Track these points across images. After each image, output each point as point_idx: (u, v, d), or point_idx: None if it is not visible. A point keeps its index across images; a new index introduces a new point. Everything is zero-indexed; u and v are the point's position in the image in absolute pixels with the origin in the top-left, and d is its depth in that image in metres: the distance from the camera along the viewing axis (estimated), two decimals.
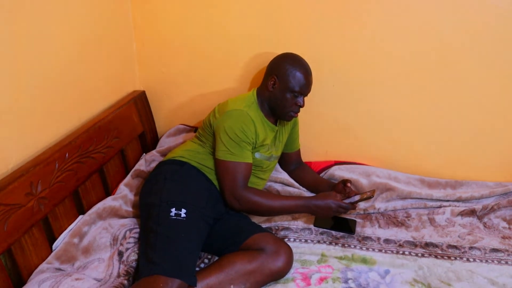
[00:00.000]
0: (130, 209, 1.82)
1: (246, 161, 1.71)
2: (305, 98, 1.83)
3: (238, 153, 1.69)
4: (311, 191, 2.04)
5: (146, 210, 1.66)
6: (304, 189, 2.04)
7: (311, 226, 1.86)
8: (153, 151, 2.15)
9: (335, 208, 1.68)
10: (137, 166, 2.04)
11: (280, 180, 2.05)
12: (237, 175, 1.69)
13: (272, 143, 1.87)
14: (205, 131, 1.82)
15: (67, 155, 1.62)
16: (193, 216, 1.58)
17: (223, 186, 1.71)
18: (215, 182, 1.76)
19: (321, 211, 1.70)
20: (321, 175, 2.15)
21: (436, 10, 1.93)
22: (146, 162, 2.07)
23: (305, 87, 1.79)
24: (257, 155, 1.79)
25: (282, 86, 1.77)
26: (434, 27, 1.96)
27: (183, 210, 1.56)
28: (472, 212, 1.95)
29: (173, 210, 1.56)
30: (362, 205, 2.00)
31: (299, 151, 2.13)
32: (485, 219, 1.93)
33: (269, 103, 1.82)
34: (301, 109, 1.82)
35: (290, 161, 2.12)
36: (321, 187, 1.99)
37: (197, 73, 2.23)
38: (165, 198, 1.61)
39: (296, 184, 2.05)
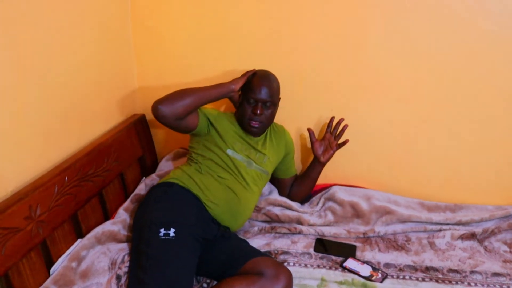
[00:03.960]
0: (128, 233, 1.80)
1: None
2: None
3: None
4: (307, 178, 2.12)
5: (137, 233, 1.66)
6: (302, 210, 2.04)
7: (311, 250, 1.85)
8: (153, 175, 2.15)
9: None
10: (137, 191, 2.03)
11: (279, 202, 2.05)
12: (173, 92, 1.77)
13: (247, 148, 1.90)
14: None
15: (66, 178, 1.61)
16: (183, 235, 1.57)
17: None
18: (205, 201, 1.77)
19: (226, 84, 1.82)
20: (321, 193, 2.17)
21: (434, 35, 1.96)
22: (146, 187, 2.06)
23: (259, 93, 1.83)
24: (229, 151, 1.85)
25: (242, 97, 1.89)
26: (431, 53, 1.99)
27: (172, 230, 1.56)
28: (472, 236, 1.94)
29: (161, 230, 1.56)
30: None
31: (296, 176, 2.14)
32: (486, 243, 1.92)
33: (237, 118, 1.94)
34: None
35: (287, 186, 2.14)
36: (311, 165, 2.10)
37: None
38: (154, 219, 1.62)
39: (295, 207, 2.05)
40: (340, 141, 2.07)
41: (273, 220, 2.02)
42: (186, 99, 1.73)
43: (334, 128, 2.07)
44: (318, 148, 2.06)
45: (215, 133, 1.87)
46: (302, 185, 2.12)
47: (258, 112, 1.83)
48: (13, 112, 1.45)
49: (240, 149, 1.88)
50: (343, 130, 2.05)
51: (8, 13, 1.39)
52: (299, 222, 1.99)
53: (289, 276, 1.59)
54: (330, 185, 2.20)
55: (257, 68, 1.97)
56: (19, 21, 1.44)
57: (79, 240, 1.68)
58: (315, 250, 1.85)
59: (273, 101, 1.88)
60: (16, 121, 1.47)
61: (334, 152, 2.06)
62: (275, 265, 1.61)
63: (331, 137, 2.07)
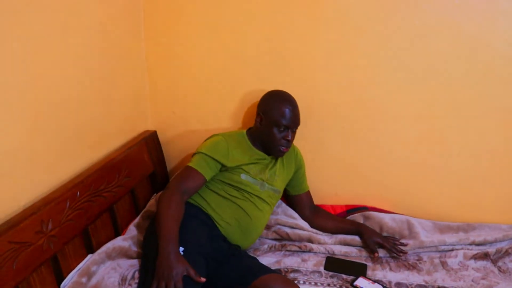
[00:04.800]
0: (139, 250, 1.80)
1: (200, 171, 1.76)
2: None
3: (199, 164, 1.77)
4: (338, 229, 2.06)
5: (147, 249, 1.67)
6: (314, 231, 2.03)
7: (321, 268, 1.83)
8: None
9: (174, 273, 1.44)
10: (147, 207, 2.03)
11: (290, 224, 2.03)
12: (184, 178, 1.74)
13: (261, 170, 1.89)
14: None
15: (78, 193, 1.62)
16: (192, 253, 1.57)
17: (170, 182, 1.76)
18: (217, 220, 1.77)
19: (162, 264, 1.47)
20: None
21: (444, 52, 1.96)
22: (157, 203, 2.05)
23: (290, 121, 1.84)
24: (242, 176, 1.83)
25: (268, 121, 1.85)
26: (442, 70, 1.99)
27: (181, 248, 1.55)
28: (485, 256, 1.90)
29: None
30: None
31: (309, 192, 2.13)
32: (500, 263, 1.88)
33: (260, 140, 1.91)
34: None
35: (303, 204, 2.11)
36: (348, 232, 2.02)
37: (208, 115, 2.27)
38: None
39: (306, 227, 2.04)
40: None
41: (283, 238, 2.01)
42: (156, 221, 1.63)
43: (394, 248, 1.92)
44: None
45: (227, 167, 1.83)
46: (329, 229, 2.07)
47: (290, 138, 1.85)
48: (27, 128, 1.47)
49: (255, 173, 1.87)
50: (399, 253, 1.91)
51: (24, 33, 1.43)
52: (310, 240, 1.98)
53: None
54: (342, 212, 2.19)
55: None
56: (34, 39, 1.47)
57: (89, 255, 1.68)
58: (325, 268, 1.84)
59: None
60: (30, 136, 1.49)
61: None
62: (285, 282, 1.59)
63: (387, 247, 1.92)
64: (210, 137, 1.93)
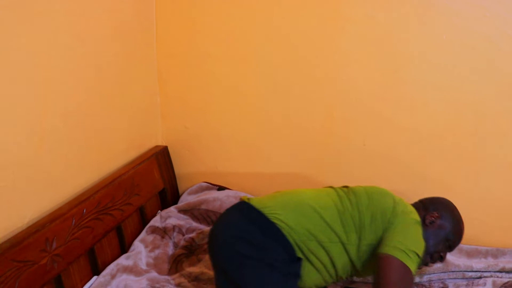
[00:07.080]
0: (144, 267, 1.75)
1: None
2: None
3: (413, 261, 1.42)
4: None
5: None
6: None
7: None
8: (171, 208, 2.11)
9: None
10: (152, 222, 1.99)
11: None
12: (408, 285, 1.42)
13: None
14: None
15: (84, 211, 1.60)
16: None
17: None
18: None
19: None
20: None
21: (470, 67, 1.92)
22: (162, 219, 2.03)
23: (456, 246, 1.66)
24: None
25: (442, 230, 1.60)
26: (468, 84, 1.94)
27: None
28: None
29: None
30: None
31: None
32: None
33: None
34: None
35: None
36: None
37: (221, 131, 2.24)
38: None
39: None
40: None
41: None
42: None
43: None
44: None
45: None
46: None
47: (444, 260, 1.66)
48: (32, 142, 1.46)
49: None
50: None
51: (34, 44, 1.44)
52: None
53: None
54: None
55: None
56: (44, 52, 1.48)
57: (94, 277, 1.64)
58: None
59: None
60: (36, 149, 1.48)
61: None
62: None
63: None
64: (405, 212, 1.56)
